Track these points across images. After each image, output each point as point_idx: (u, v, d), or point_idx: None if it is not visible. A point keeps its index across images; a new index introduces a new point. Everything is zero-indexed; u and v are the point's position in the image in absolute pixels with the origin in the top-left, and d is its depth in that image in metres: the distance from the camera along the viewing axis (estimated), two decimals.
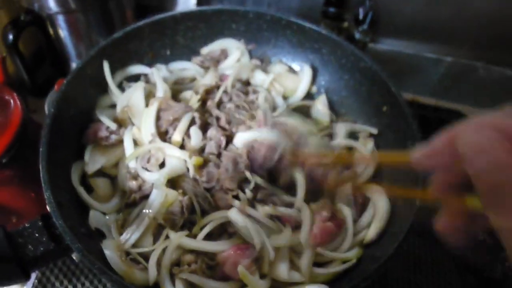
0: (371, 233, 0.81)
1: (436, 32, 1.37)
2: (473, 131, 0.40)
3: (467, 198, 0.45)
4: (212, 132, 0.86)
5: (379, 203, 0.83)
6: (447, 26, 1.35)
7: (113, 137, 0.86)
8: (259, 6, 1.39)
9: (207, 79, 0.99)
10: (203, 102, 0.93)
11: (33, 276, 0.85)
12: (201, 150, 0.84)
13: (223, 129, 0.88)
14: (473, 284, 0.94)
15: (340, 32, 1.31)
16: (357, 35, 1.29)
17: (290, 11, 1.32)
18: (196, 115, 0.87)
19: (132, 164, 0.82)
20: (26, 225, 0.68)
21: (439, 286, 0.92)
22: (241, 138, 0.85)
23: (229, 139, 0.86)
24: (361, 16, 1.27)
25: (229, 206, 0.77)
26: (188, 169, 0.81)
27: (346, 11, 1.29)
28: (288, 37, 1.06)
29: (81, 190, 0.80)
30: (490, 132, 0.39)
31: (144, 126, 0.86)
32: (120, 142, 0.86)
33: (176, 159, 0.80)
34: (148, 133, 0.84)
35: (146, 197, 0.78)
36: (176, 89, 0.99)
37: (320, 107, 1.02)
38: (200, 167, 0.81)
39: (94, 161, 0.84)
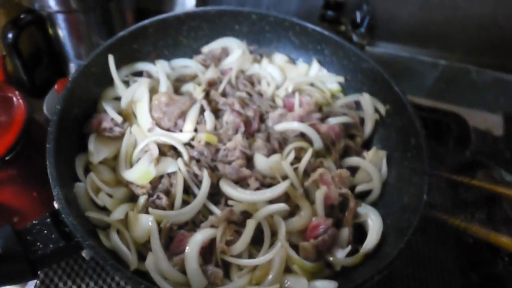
0: (368, 246, 0.80)
1: (431, 36, 1.40)
2: None
3: None
4: (228, 117, 0.89)
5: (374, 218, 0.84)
6: (441, 30, 1.39)
7: (117, 130, 0.86)
8: (257, 8, 1.40)
9: (209, 74, 0.99)
10: (206, 93, 0.95)
11: None
12: None
13: (238, 113, 0.90)
14: (475, 281, 0.95)
15: (338, 35, 1.32)
16: (355, 38, 1.30)
17: (289, 14, 1.33)
18: (204, 102, 0.90)
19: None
20: (35, 222, 0.67)
21: (443, 283, 0.93)
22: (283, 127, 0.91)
23: (246, 123, 0.89)
24: (358, 20, 1.29)
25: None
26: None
27: (343, 15, 1.31)
28: (290, 39, 1.07)
29: (87, 180, 0.79)
30: None
31: (140, 118, 0.88)
32: (123, 135, 0.86)
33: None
34: (147, 123, 0.87)
35: None
36: (177, 86, 0.99)
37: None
38: None
39: (98, 151, 0.83)
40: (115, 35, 0.93)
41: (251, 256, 0.76)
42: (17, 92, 0.88)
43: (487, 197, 1.08)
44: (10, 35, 1.03)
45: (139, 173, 0.79)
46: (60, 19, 1.09)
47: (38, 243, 0.65)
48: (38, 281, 0.82)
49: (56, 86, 1.03)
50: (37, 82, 1.18)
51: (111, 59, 0.91)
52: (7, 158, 0.80)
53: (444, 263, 0.96)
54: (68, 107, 0.82)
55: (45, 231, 0.66)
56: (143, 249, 0.75)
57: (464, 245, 0.98)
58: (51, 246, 0.65)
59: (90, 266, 0.85)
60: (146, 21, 0.97)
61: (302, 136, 0.91)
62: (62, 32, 1.12)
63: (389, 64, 1.41)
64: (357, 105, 1.02)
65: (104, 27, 1.17)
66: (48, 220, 0.67)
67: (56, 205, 0.68)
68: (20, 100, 0.86)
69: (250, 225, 0.74)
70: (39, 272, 0.83)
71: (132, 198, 0.82)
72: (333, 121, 0.95)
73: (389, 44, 1.41)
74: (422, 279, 0.93)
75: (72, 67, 1.22)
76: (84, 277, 0.84)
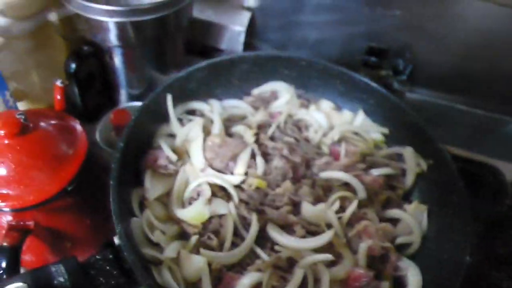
0: None
1: (469, 85, 1.43)
2: None
3: None
4: (278, 162, 0.92)
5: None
6: (480, 80, 1.41)
7: (171, 167, 0.90)
8: (299, 50, 1.45)
9: (259, 116, 1.04)
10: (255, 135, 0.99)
11: None
12: None
13: (287, 159, 0.93)
14: None
15: (378, 81, 1.36)
16: (396, 85, 1.34)
17: (331, 58, 1.38)
18: (256, 147, 0.93)
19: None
20: (98, 257, 0.71)
21: None
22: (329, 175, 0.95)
23: (294, 169, 0.93)
24: (401, 67, 1.32)
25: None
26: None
27: (386, 61, 1.35)
28: (337, 86, 1.11)
29: (144, 217, 0.83)
30: None
31: (193, 157, 0.92)
32: (177, 173, 0.90)
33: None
34: (200, 163, 0.90)
35: None
36: (227, 126, 1.03)
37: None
38: None
39: (154, 187, 0.87)
40: (173, 76, 0.98)
41: None
42: (78, 122, 0.93)
43: None
44: (73, 65, 1.09)
45: (194, 214, 0.83)
46: (118, 52, 1.14)
47: (101, 278, 0.69)
48: None
49: (111, 116, 1.09)
50: (90, 107, 1.24)
51: (169, 98, 0.96)
52: (69, 188, 0.84)
53: None
54: (129, 143, 0.86)
55: (107, 267, 0.70)
56: (191, 287, 0.78)
57: None
58: (112, 282, 0.69)
59: None
60: (203, 63, 1.02)
61: (346, 185, 0.94)
62: (118, 63, 1.18)
63: (425, 111, 1.45)
64: (398, 156, 1.05)
65: (157, 60, 1.23)
66: (110, 255, 0.72)
67: (117, 241, 0.73)
68: (82, 131, 0.91)
69: (298, 274, 0.77)
70: None
71: (182, 235, 0.85)
72: (376, 172, 0.98)
73: (427, 91, 1.44)
74: None
75: (123, 94, 1.27)
76: None
